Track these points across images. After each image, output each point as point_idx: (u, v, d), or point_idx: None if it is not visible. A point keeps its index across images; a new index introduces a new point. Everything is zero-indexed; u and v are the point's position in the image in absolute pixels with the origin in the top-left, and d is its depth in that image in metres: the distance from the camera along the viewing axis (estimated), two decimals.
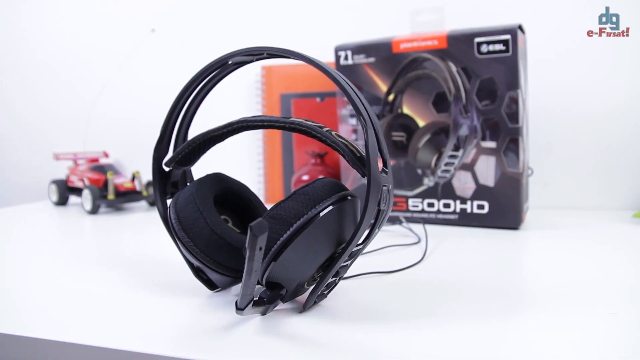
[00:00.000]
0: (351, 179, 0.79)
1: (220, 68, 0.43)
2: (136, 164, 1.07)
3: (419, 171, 0.73)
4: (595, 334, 0.34)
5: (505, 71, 0.66)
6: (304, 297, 0.40)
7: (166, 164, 0.44)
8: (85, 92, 1.14)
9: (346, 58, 0.76)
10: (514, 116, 0.66)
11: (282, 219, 0.35)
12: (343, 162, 0.80)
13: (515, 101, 0.66)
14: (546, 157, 0.85)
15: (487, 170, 0.69)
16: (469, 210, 0.71)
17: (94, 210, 0.85)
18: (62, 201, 0.97)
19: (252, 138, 1.01)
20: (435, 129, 0.72)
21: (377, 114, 0.75)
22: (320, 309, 0.39)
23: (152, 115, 1.10)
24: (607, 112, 0.82)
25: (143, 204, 0.96)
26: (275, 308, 0.39)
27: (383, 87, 0.74)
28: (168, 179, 0.45)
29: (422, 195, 0.74)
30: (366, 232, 0.37)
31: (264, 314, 0.37)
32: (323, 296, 0.39)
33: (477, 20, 0.76)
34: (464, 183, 0.71)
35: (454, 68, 0.69)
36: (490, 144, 0.68)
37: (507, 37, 0.65)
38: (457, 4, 0.84)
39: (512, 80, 0.66)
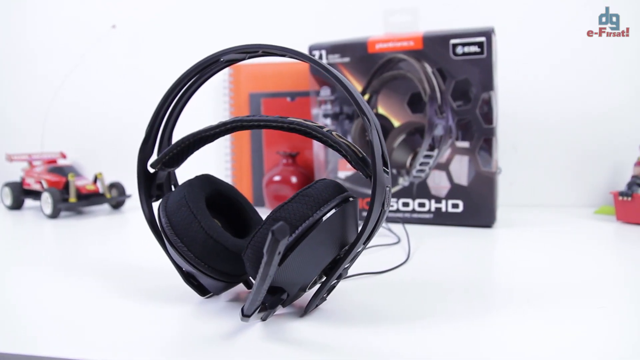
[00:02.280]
0: None
1: (211, 66, 0.41)
2: (95, 165, 1.03)
3: (394, 171, 0.74)
4: (587, 328, 0.35)
5: (479, 73, 0.67)
6: (300, 300, 0.40)
7: (152, 166, 0.42)
8: (41, 91, 1.08)
9: (320, 57, 0.76)
10: (487, 117, 0.68)
11: (286, 221, 0.34)
12: (316, 162, 0.79)
13: (489, 102, 0.67)
14: (511, 156, 0.87)
15: (461, 169, 0.70)
16: (443, 210, 0.72)
17: (55, 214, 0.81)
18: (17, 205, 0.92)
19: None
20: (410, 129, 0.73)
21: (350, 114, 0.75)
22: (320, 312, 0.38)
23: (112, 115, 1.06)
24: (569, 115, 0.85)
25: (105, 207, 0.92)
26: (274, 313, 0.37)
27: (358, 87, 0.74)
28: (153, 181, 0.43)
29: (397, 195, 0.74)
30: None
31: (264, 319, 0.36)
32: (323, 299, 0.38)
33: (451, 21, 0.77)
34: (438, 182, 0.72)
35: (429, 69, 0.70)
36: (465, 144, 0.70)
37: (482, 39, 0.66)
38: (431, 5, 0.85)
39: (487, 82, 0.67)
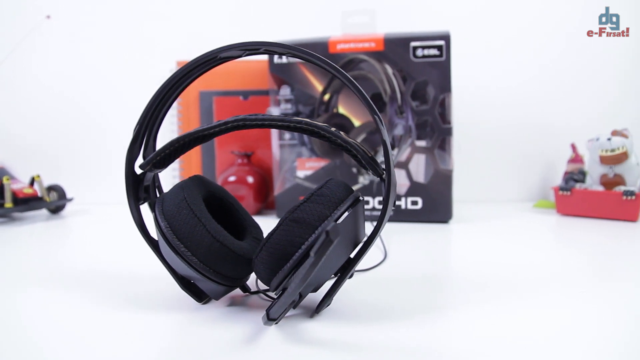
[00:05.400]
0: (280, 180, 0.78)
1: (206, 63, 0.39)
2: (27, 167, 0.94)
3: (354, 170, 0.75)
4: (577, 311, 0.38)
5: (438, 75, 0.70)
6: (304, 301, 0.39)
7: (142, 167, 0.40)
8: None
9: (280, 56, 0.75)
10: (445, 117, 0.71)
11: (305, 222, 0.33)
12: (274, 161, 0.78)
13: (443, 103, 0.70)
14: (456, 156, 0.92)
15: (420, 168, 0.73)
16: (403, 207, 0.74)
17: None
18: None
19: (165, 136, 0.94)
20: (370, 129, 0.74)
21: (307, 114, 0.75)
22: (328, 312, 0.38)
23: (43, 113, 0.98)
24: (508, 118, 0.92)
25: (42, 212, 0.85)
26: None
27: (318, 87, 0.75)
28: (141, 183, 0.41)
29: None
30: None
31: (277, 322, 0.35)
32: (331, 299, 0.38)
33: (407, 24, 0.79)
34: (397, 181, 0.74)
35: (390, 70, 0.72)
36: (424, 143, 0.72)
37: (441, 42, 0.69)
38: (389, 7, 0.87)
39: (445, 84, 0.70)
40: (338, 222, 0.34)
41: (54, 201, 0.81)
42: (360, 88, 0.36)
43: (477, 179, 0.93)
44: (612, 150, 0.72)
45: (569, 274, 0.47)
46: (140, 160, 0.40)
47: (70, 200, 0.83)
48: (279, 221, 0.34)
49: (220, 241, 0.36)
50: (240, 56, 0.40)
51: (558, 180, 0.91)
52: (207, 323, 0.36)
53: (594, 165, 0.75)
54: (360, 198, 0.37)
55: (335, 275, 0.37)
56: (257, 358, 0.30)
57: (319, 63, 0.36)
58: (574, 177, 0.79)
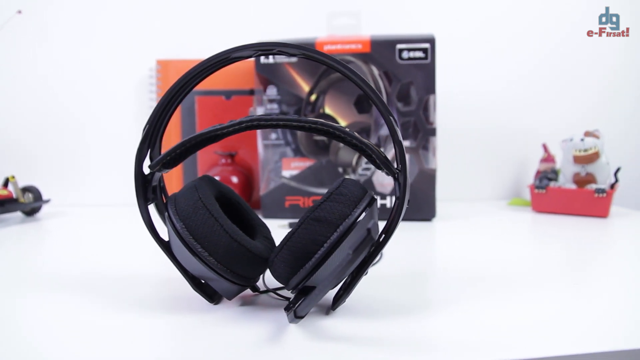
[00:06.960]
0: (265, 180, 0.78)
1: (219, 63, 0.39)
2: (1, 167, 0.91)
3: (340, 169, 0.76)
4: (558, 302, 0.40)
5: (423, 76, 0.72)
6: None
7: (151, 167, 0.39)
8: None
9: (267, 57, 0.75)
10: (429, 118, 0.73)
11: (327, 220, 0.34)
12: (260, 162, 0.78)
13: (427, 104, 0.72)
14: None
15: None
16: (388, 205, 0.76)
17: None
18: None
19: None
20: (356, 129, 0.75)
21: (293, 114, 0.76)
22: (341, 308, 0.39)
23: (18, 112, 0.94)
24: (483, 121, 0.95)
25: (16, 214, 0.82)
26: None
27: (305, 87, 0.75)
28: (150, 184, 0.40)
29: None
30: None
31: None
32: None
33: (392, 26, 0.81)
34: (382, 180, 0.75)
35: (376, 71, 0.73)
36: (408, 143, 0.74)
37: (427, 45, 0.71)
38: (374, 10, 0.88)
39: (429, 85, 0.72)
40: (359, 220, 0.35)
41: (29, 203, 0.78)
42: (377, 92, 0.37)
43: (454, 178, 0.95)
44: (585, 150, 0.75)
45: (550, 267, 0.50)
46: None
47: (46, 201, 0.81)
48: (300, 220, 0.35)
49: (238, 241, 0.36)
50: (251, 56, 0.40)
51: (529, 179, 0.95)
52: (225, 323, 0.36)
53: (567, 165, 0.79)
54: (375, 197, 0.38)
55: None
56: (287, 355, 0.31)
57: (335, 65, 0.37)
58: (548, 175, 0.82)
